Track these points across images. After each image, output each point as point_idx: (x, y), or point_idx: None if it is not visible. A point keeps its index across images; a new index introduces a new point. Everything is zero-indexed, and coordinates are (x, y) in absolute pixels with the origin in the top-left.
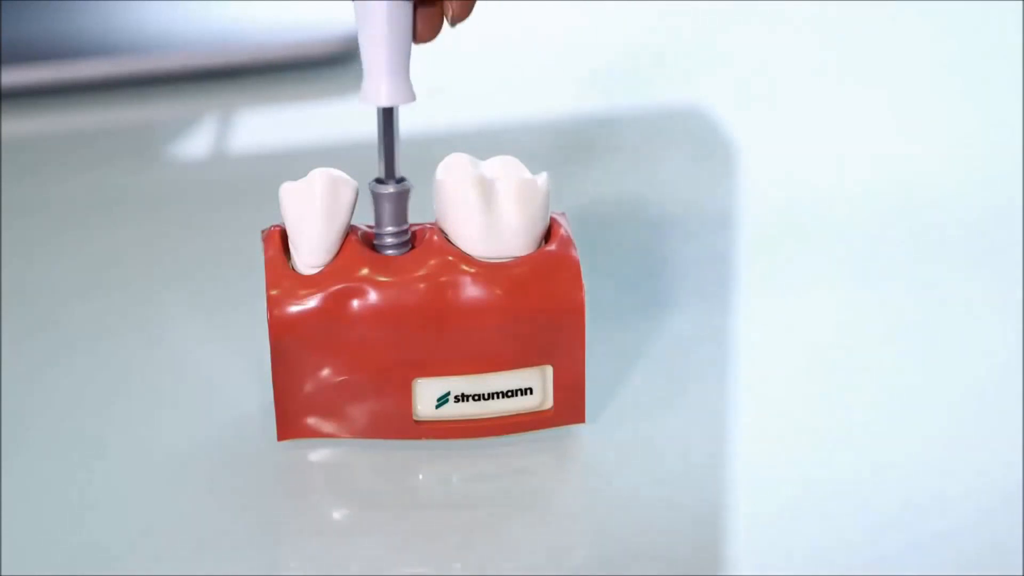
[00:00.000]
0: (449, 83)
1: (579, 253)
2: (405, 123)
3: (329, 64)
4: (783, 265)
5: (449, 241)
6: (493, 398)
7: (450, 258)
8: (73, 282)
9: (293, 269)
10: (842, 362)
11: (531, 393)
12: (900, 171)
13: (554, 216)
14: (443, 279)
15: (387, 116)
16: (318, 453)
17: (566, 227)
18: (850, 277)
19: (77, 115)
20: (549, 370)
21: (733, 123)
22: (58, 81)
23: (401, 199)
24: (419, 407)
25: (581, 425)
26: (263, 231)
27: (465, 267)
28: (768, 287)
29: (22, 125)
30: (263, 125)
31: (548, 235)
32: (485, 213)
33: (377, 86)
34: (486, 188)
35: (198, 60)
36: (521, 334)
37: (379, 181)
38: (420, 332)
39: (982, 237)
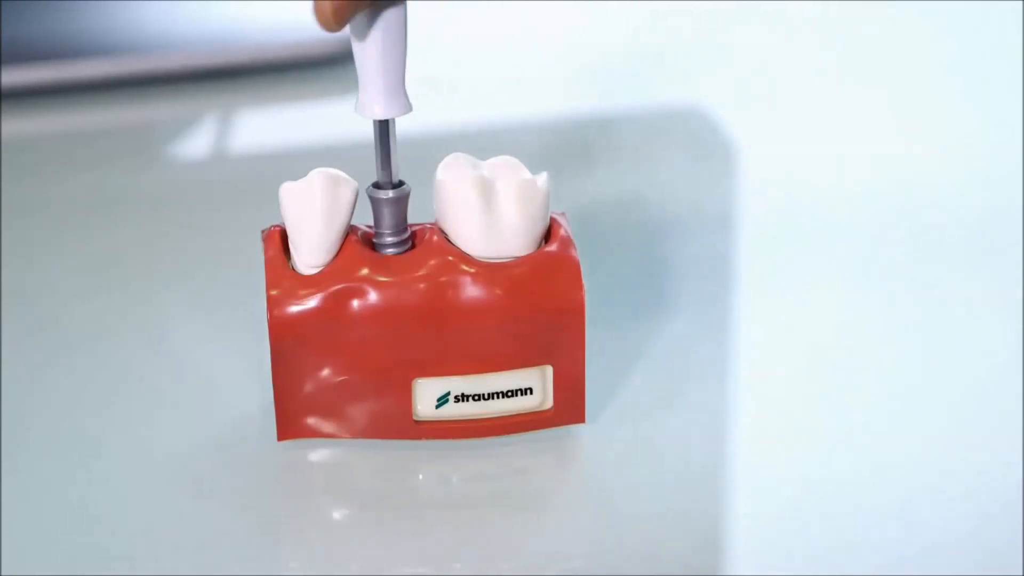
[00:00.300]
0: (449, 79)
1: (579, 253)
2: (405, 123)
3: (329, 64)
4: (783, 265)
5: (449, 241)
6: (493, 398)
7: (450, 258)
8: (73, 282)
9: (293, 269)
10: (842, 362)
11: (531, 393)
12: (900, 171)
13: (554, 216)
14: (443, 279)
15: (383, 127)
16: (318, 453)
17: (566, 227)
18: (850, 277)
19: (77, 115)
20: (549, 370)
21: (733, 123)
22: (58, 81)
23: (400, 204)
24: (419, 407)
25: (581, 425)
26: (263, 231)
27: (465, 267)
28: (768, 287)
29: (22, 125)
30: (263, 125)
31: (548, 235)
32: (485, 213)
33: (371, 99)
34: (486, 188)
35: (198, 60)
36: (521, 334)
37: (377, 186)
38: (420, 332)
39: (982, 237)
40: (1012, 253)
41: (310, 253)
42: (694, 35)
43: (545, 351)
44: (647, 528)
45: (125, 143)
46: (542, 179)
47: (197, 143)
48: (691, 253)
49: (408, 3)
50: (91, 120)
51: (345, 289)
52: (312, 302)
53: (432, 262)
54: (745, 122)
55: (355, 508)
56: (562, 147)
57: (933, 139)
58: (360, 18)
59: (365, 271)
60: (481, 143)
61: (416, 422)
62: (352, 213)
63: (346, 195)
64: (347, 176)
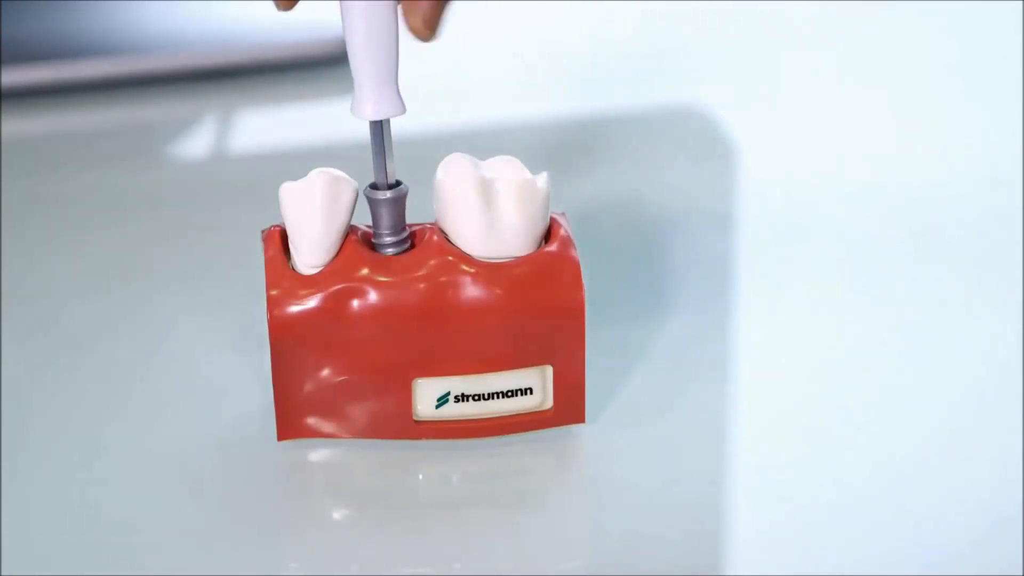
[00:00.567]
0: (449, 82)
1: (579, 253)
2: (405, 123)
3: (329, 64)
4: (783, 265)
5: (449, 241)
6: (493, 398)
7: (450, 258)
8: (73, 282)
9: (293, 269)
10: (842, 362)
11: (531, 393)
12: (900, 171)
13: (554, 216)
14: (443, 279)
15: (377, 127)
16: (318, 453)
17: (566, 227)
18: (850, 277)
19: (77, 115)
20: (549, 370)
21: (733, 123)
22: (58, 81)
23: (397, 204)
24: (419, 407)
25: (581, 425)
26: (263, 231)
27: (465, 267)
28: (768, 287)
29: (22, 125)
30: (263, 125)
31: (548, 235)
32: (485, 213)
33: (365, 100)
34: (486, 188)
35: (198, 60)
36: (521, 334)
37: (374, 187)
38: (420, 332)
39: (982, 237)
40: (1012, 253)
41: (310, 253)
42: (694, 35)
43: (545, 351)
44: (647, 528)
45: (125, 143)
46: (542, 179)
47: (197, 143)
48: (691, 253)
49: None
50: (91, 120)
51: (345, 289)
52: (312, 302)
53: (432, 262)
54: (745, 122)
55: (355, 508)
56: (562, 147)
57: (933, 139)
58: (351, 20)
59: (365, 271)
60: (481, 143)
61: (416, 422)
62: (352, 213)
63: (346, 195)
64: (347, 176)
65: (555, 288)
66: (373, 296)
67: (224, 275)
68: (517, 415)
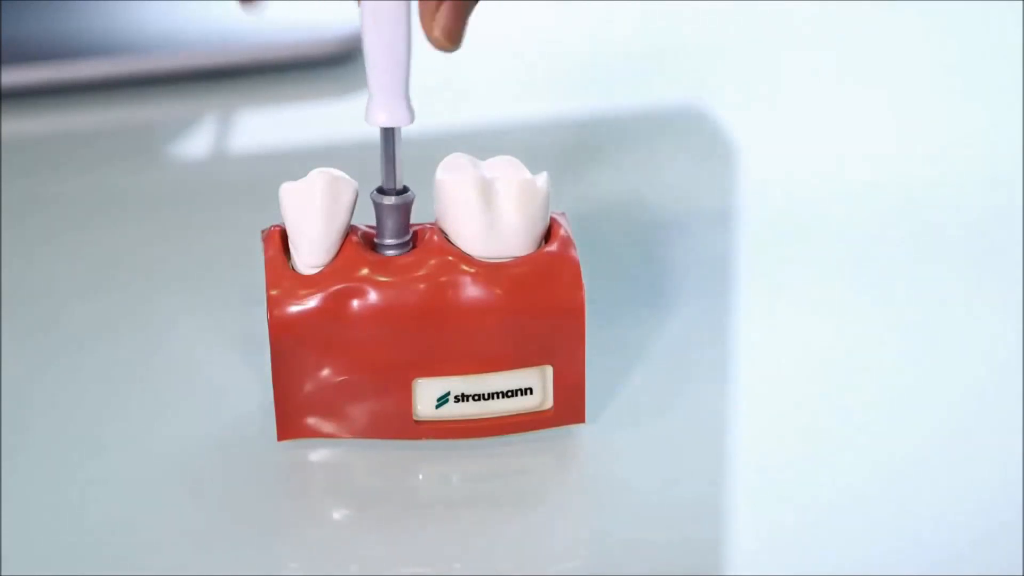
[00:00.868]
0: (449, 82)
1: (579, 253)
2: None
3: (329, 64)
4: (783, 265)
5: (449, 241)
6: (493, 398)
7: (450, 258)
8: (73, 282)
9: (293, 269)
10: (842, 362)
11: (531, 393)
12: (900, 171)
13: (554, 216)
14: (443, 279)
15: (388, 134)
16: (318, 453)
17: (566, 227)
18: (850, 277)
19: (77, 115)
20: (549, 370)
21: (733, 123)
22: (58, 81)
23: (403, 210)
24: (419, 407)
25: (581, 425)
26: (263, 231)
27: (465, 267)
28: (768, 287)
29: (22, 125)
30: (263, 125)
31: (548, 235)
32: (485, 213)
33: (378, 107)
34: (486, 188)
35: (198, 60)
36: (521, 334)
37: (381, 191)
38: (420, 332)
39: (982, 237)
40: (1012, 253)
41: (310, 253)
42: (694, 35)
43: (545, 351)
44: (647, 528)
45: (125, 143)
46: (542, 179)
47: (197, 143)
48: (691, 253)
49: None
50: (91, 120)
51: (345, 289)
52: (312, 302)
53: (432, 262)
54: (745, 122)
55: (355, 508)
56: (562, 147)
57: (933, 139)
58: (367, 27)
59: (365, 271)
60: (481, 143)
61: (416, 422)
62: (352, 213)
63: (346, 195)
64: (347, 176)
65: (555, 288)
66: (373, 296)
67: (224, 275)
68: (517, 415)
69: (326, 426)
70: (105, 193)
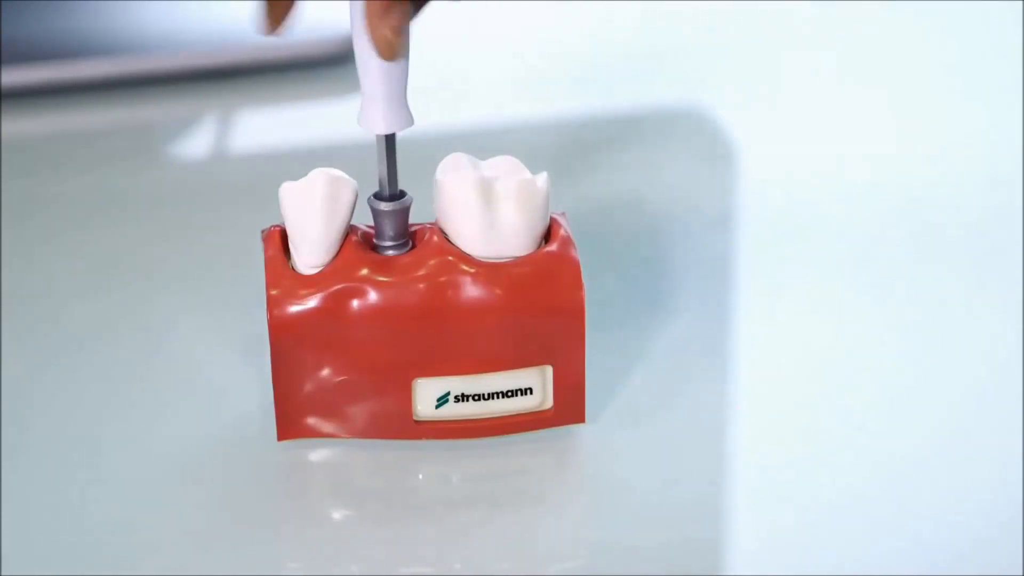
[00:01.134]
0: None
1: (579, 253)
2: None
3: (329, 64)
4: (783, 265)
5: (449, 241)
6: (493, 398)
7: (450, 258)
8: (73, 282)
9: (293, 269)
10: (842, 362)
11: (531, 393)
12: (900, 171)
13: (554, 216)
14: (443, 279)
15: (385, 139)
16: (318, 453)
17: (566, 227)
18: (850, 277)
19: (77, 115)
20: (549, 370)
21: (733, 123)
22: (58, 81)
23: (401, 215)
24: (419, 407)
25: (581, 425)
26: (263, 231)
27: (465, 267)
28: (768, 287)
29: (22, 125)
30: (263, 125)
31: (548, 235)
32: (485, 213)
33: (375, 113)
34: (486, 188)
35: (198, 60)
36: (521, 334)
37: (378, 197)
38: (420, 332)
39: (982, 237)
40: (1012, 253)
41: (310, 253)
42: (694, 35)
43: (545, 351)
44: (647, 528)
45: (125, 143)
46: (542, 179)
47: (197, 143)
48: (691, 253)
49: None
50: (91, 120)
51: (345, 289)
52: (312, 302)
53: (432, 262)
54: (745, 122)
55: (355, 508)
56: (562, 147)
57: (933, 139)
58: (362, 36)
59: (365, 271)
60: (481, 143)
61: (416, 422)
62: (352, 213)
63: (346, 195)
64: (347, 176)
65: (555, 288)
66: (373, 296)
67: (224, 275)
68: (517, 415)
69: (326, 426)
70: (105, 193)
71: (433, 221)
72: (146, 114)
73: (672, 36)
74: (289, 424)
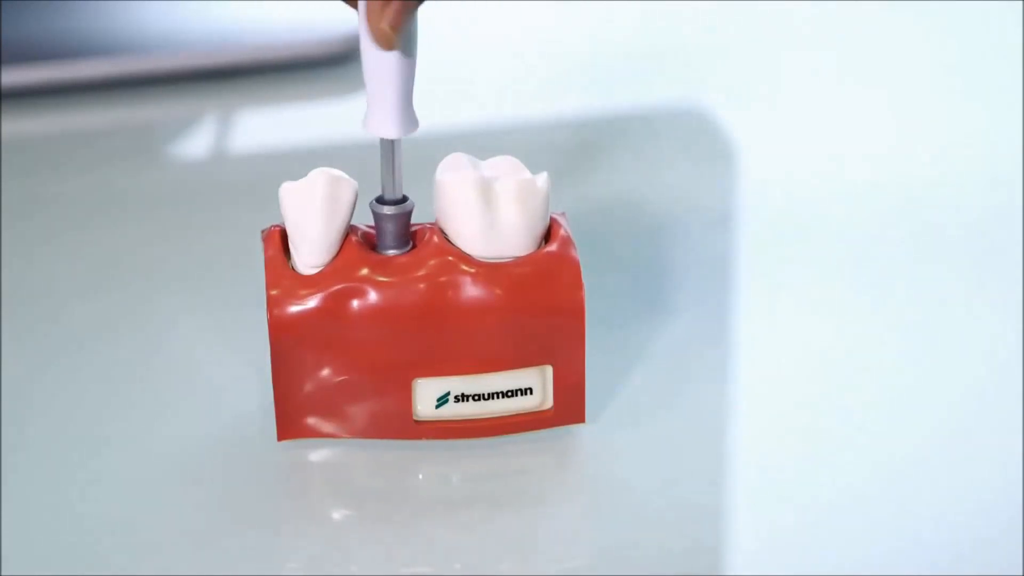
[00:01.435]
0: (449, 82)
1: (579, 253)
2: None
3: (329, 64)
4: (783, 265)
5: (449, 241)
6: (493, 398)
7: (450, 258)
8: (73, 282)
9: (293, 269)
10: (842, 362)
11: (531, 393)
12: (900, 171)
13: (554, 216)
14: (443, 279)
15: (389, 144)
16: (318, 453)
17: (566, 227)
18: (850, 277)
19: (77, 115)
20: (549, 370)
21: (733, 123)
22: (58, 81)
23: (403, 219)
24: (419, 407)
25: (581, 425)
26: (263, 231)
27: (465, 267)
28: (768, 287)
29: (22, 125)
30: (263, 125)
31: (548, 235)
32: (485, 213)
33: (380, 118)
34: (486, 188)
35: (198, 60)
36: (521, 334)
37: (381, 201)
38: (420, 332)
39: (982, 237)
40: (1012, 253)
41: (310, 253)
42: (694, 35)
43: (545, 351)
44: (647, 528)
45: (125, 143)
46: (542, 179)
47: (197, 143)
48: (691, 253)
49: None
50: (91, 120)
51: (345, 289)
52: (312, 302)
53: (432, 262)
54: (745, 122)
55: (355, 508)
56: (562, 147)
57: (933, 139)
58: (368, 38)
59: (365, 271)
60: (481, 143)
61: (416, 422)
62: (352, 213)
63: (346, 195)
64: (347, 176)
65: (555, 288)
66: (373, 296)
67: (224, 275)
68: (517, 415)
69: (326, 426)
70: (105, 193)
71: (433, 221)
72: (146, 114)
73: (672, 36)
74: (289, 424)
